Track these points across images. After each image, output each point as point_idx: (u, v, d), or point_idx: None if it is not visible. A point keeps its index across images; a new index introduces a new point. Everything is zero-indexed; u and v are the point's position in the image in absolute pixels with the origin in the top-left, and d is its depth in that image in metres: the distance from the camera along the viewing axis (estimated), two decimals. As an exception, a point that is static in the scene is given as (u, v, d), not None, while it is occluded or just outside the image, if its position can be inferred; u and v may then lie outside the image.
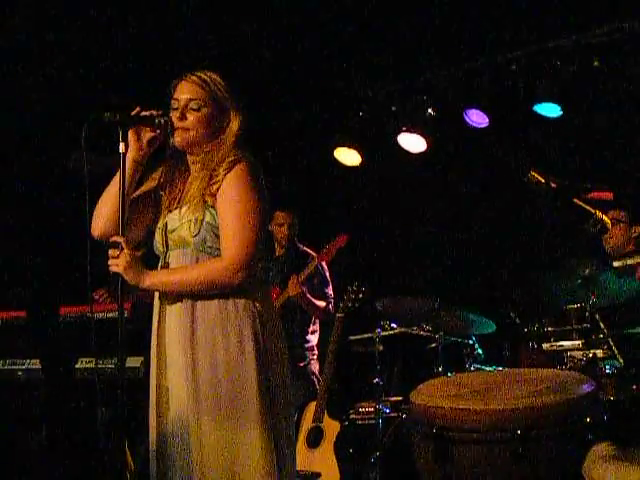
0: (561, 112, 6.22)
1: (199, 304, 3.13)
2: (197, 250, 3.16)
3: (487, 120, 6.58)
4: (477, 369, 5.50)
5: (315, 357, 5.65)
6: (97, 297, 4.70)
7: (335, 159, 7.29)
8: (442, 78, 6.69)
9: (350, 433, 5.33)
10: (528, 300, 5.75)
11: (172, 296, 3.18)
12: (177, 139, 3.22)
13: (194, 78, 3.24)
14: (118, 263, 3.06)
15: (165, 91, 3.31)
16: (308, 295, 5.46)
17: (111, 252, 3.08)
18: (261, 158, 3.26)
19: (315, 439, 5.20)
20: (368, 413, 5.67)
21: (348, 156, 7.28)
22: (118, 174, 3.11)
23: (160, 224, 3.27)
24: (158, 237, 3.27)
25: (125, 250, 3.06)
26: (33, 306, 4.81)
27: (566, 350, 5.06)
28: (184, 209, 3.19)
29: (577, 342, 5.06)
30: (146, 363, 4.08)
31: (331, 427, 5.19)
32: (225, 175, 3.13)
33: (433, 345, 5.63)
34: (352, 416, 5.70)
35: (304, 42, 6.34)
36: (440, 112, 6.74)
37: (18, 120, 6.00)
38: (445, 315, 5.49)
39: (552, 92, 6.22)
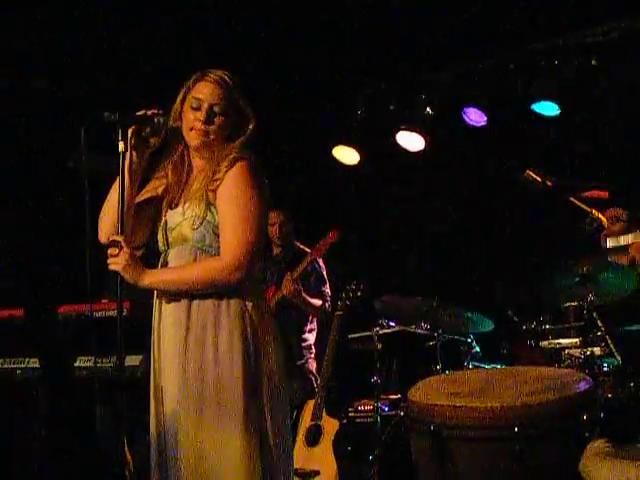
0: (559, 111, 6.23)
1: (195, 303, 3.13)
2: (196, 247, 3.17)
3: (485, 119, 6.59)
4: (475, 367, 5.51)
5: (312, 355, 5.65)
6: None
7: (334, 158, 7.30)
8: (440, 77, 6.70)
9: (349, 431, 5.33)
10: (526, 298, 5.77)
11: (170, 295, 3.18)
12: (195, 141, 3.22)
13: (216, 79, 3.23)
14: (117, 262, 3.07)
15: (163, 89, 3.31)
16: (303, 294, 5.45)
17: (110, 251, 3.09)
18: (260, 157, 3.27)
19: (314, 437, 5.20)
20: (367, 411, 5.68)
21: (347, 154, 7.29)
22: (117, 182, 3.12)
23: (162, 223, 3.28)
24: (159, 235, 3.28)
25: (124, 249, 3.07)
26: (32, 305, 4.82)
27: (564, 348, 5.07)
28: (186, 206, 3.19)
29: (575, 340, 5.08)
30: (145, 362, 4.09)
31: (330, 425, 5.20)
32: (226, 172, 3.13)
33: (431, 343, 5.63)
34: (351, 414, 5.70)
35: (303, 40, 6.35)
36: (438, 111, 6.75)
37: (18, 119, 6.00)
38: (443, 313, 5.49)
39: (550, 91, 6.23)
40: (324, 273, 5.66)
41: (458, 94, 6.63)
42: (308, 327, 5.63)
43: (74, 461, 4.38)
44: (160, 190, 3.34)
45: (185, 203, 3.21)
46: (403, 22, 6.09)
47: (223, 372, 3.06)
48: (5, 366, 4.61)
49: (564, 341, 5.13)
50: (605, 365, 4.80)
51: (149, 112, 3.16)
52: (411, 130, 6.81)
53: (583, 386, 3.51)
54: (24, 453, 4.53)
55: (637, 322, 5.08)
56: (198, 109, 3.20)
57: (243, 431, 3.02)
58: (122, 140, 3.08)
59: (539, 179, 4.57)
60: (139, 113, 3.15)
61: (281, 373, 3.22)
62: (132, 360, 4.21)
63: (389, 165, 7.33)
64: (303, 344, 5.59)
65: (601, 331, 4.93)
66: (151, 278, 3.13)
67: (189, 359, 3.09)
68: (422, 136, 6.79)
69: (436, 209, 7.24)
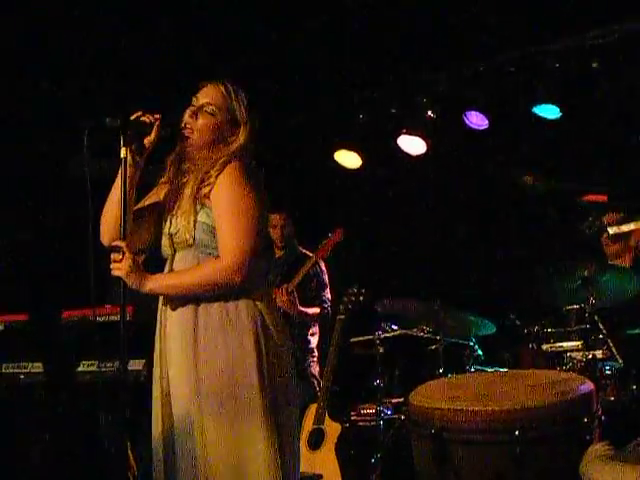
0: (560, 114, 6.24)
1: (201, 307, 3.14)
2: (199, 251, 3.18)
3: (487, 122, 6.60)
4: (477, 370, 5.51)
5: (315, 359, 5.66)
6: None
7: (335, 162, 7.32)
8: (441, 80, 6.71)
9: (351, 435, 5.35)
10: (528, 301, 5.77)
11: (176, 300, 3.19)
12: (183, 139, 3.25)
13: (215, 82, 3.29)
14: (120, 267, 3.08)
15: (163, 89, 3.33)
16: (299, 306, 5.46)
17: (113, 256, 3.10)
18: (262, 160, 3.28)
19: (316, 441, 5.21)
20: (369, 415, 5.69)
21: (348, 159, 7.30)
22: (118, 179, 3.14)
23: (165, 228, 3.29)
24: (165, 241, 3.30)
25: (127, 254, 3.08)
26: (35, 309, 4.84)
27: (566, 351, 5.06)
28: (181, 210, 3.21)
29: (577, 343, 5.06)
30: (148, 365, 4.10)
31: (332, 429, 5.21)
32: (217, 176, 3.15)
33: (434, 347, 5.64)
34: (353, 418, 5.71)
35: (304, 44, 6.36)
36: (440, 114, 6.76)
37: (19, 124, 6.01)
38: (445, 317, 5.49)
39: (551, 94, 6.23)
40: (325, 278, 5.68)
41: (459, 97, 6.63)
42: (310, 331, 5.64)
43: (77, 465, 4.39)
44: (162, 195, 3.37)
45: (180, 208, 3.23)
46: (403, 25, 6.10)
47: (238, 372, 3.07)
48: (9, 371, 4.61)
49: (566, 344, 5.12)
50: (607, 368, 4.79)
51: (151, 118, 3.18)
52: (413, 134, 6.81)
53: (584, 389, 3.52)
54: (27, 458, 4.54)
55: (639, 325, 5.08)
56: (192, 106, 3.27)
57: (265, 430, 3.03)
58: (125, 146, 3.10)
59: (538, 182, 4.59)
60: (143, 118, 3.17)
61: (293, 372, 3.25)
62: (135, 364, 4.22)
63: (391, 169, 7.34)
64: (306, 348, 5.60)
65: (603, 334, 4.93)
66: (153, 283, 3.14)
67: (200, 362, 3.09)
68: (424, 140, 6.80)
69: (438, 212, 7.24)
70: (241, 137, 3.28)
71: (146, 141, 3.19)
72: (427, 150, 6.84)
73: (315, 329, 5.67)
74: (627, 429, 4.00)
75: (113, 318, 4.33)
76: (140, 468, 4.02)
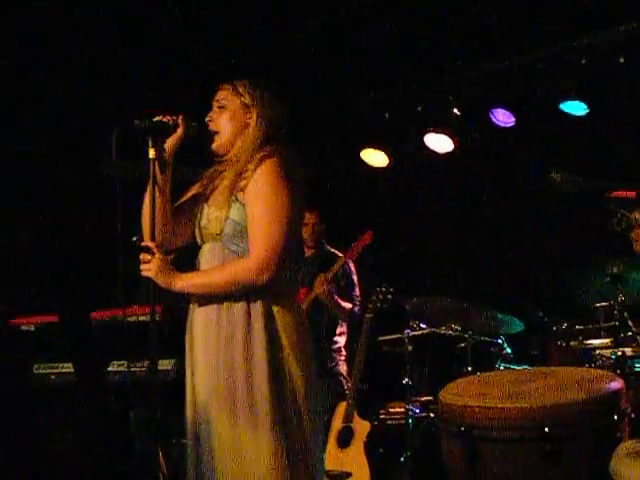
0: (587, 110, 6.20)
1: (225, 305, 3.17)
2: (225, 246, 3.21)
3: (513, 119, 6.58)
4: (506, 368, 5.50)
5: (343, 358, 5.64)
6: None
7: (362, 160, 7.32)
8: (467, 77, 6.69)
9: (380, 433, 5.36)
10: (557, 299, 5.75)
11: (201, 297, 3.22)
12: (213, 144, 3.31)
13: (228, 85, 3.35)
14: (150, 267, 3.12)
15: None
16: (335, 296, 5.44)
17: (142, 257, 3.14)
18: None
19: (345, 439, 5.22)
20: (398, 413, 5.70)
21: (375, 157, 7.30)
22: (150, 182, 3.17)
23: (197, 219, 3.33)
24: (196, 231, 3.34)
25: (156, 254, 3.12)
26: (65, 310, 4.87)
27: (595, 348, 5.05)
28: (214, 204, 3.25)
29: (606, 340, 5.05)
30: (178, 365, 4.13)
31: (361, 427, 5.22)
32: (254, 171, 3.15)
33: (462, 345, 5.64)
34: (382, 416, 5.73)
35: (330, 43, 6.37)
36: (466, 112, 6.75)
37: (50, 128, 6.05)
38: (474, 315, 5.48)
39: (578, 90, 6.20)
40: (354, 277, 5.65)
41: (485, 95, 6.62)
42: (338, 330, 5.63)
43: (108, 466, 4.42)
44: (200, 189, 3.40)
45: (215, 199, 3.26)
46: (430, 23, 6.09)
47: (252, 371, 3.08)
48: (40, 371, 4.65)
49: (595, 341, 5.11)
50: (636, 365, 4.77)
51: (169, 118, 3.22)
52: (439, 132, 6.80)
53: (614, 386, 3.50)
54: (58, 458, 4.57)
55: (669, 322, 5.05)
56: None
57: (271, 433, 3.04)
58: (153, 147, 3.13)
59: (567, 179, 4.56)
60: (165, 119, 3.21)
61: (312, 375, 3.23)
62: (164, 364, 4.24)
63: (418, 167, 7.33)
64: (334, 347, 5.59)
65: (632, 331, 4.90)
66: (182, 282, 3.17)
67: (220, 358, 3.12)
68: (450, 137, 6.79)
69: (465, 210, 7.22)
70: (255, 116, 3.29)
71: (172, 139, 3.22)
72: (454, 148, 6.82)
73: (343, 328, 5.66)
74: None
75: (142, 318, 4.35)
76: (170, 468, 4.05)
